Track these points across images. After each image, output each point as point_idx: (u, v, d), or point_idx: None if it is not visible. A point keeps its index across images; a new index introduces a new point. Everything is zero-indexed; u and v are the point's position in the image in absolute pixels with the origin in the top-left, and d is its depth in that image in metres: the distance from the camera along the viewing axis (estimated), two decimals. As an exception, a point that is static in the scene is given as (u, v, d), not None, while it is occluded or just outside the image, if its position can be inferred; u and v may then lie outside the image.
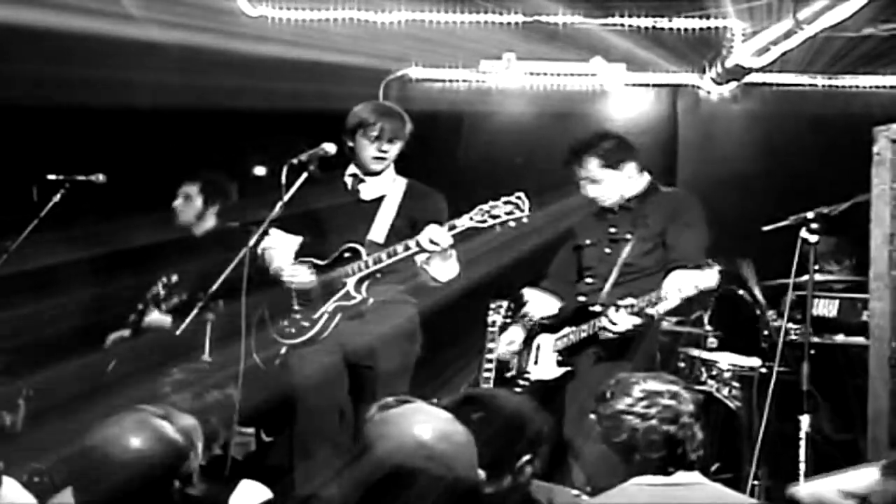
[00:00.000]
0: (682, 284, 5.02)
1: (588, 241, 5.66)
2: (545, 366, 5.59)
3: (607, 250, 5.55)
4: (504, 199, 5.03)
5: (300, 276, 5.41)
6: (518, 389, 5.62)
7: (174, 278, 6.14)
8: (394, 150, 5.41)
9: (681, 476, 3.41)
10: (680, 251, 5.32)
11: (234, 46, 6.94)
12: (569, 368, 5.49)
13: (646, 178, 5.60)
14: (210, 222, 6.36)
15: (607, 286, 5.42)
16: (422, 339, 5.52)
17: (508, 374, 5.74)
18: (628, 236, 5.48)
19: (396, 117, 5.43)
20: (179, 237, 6.32)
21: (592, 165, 5.48)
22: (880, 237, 4.76)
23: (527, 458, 3.21)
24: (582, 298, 5.56)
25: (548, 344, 5.61)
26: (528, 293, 5.82)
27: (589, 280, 5.59)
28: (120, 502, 2.79)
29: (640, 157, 5.60)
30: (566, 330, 5.52)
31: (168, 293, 6.13)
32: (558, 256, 5.84)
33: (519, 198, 5.03)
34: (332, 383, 5.41)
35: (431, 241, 5.09)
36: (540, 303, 5.79)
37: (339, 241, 5.39)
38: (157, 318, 6.18)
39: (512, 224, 5.04)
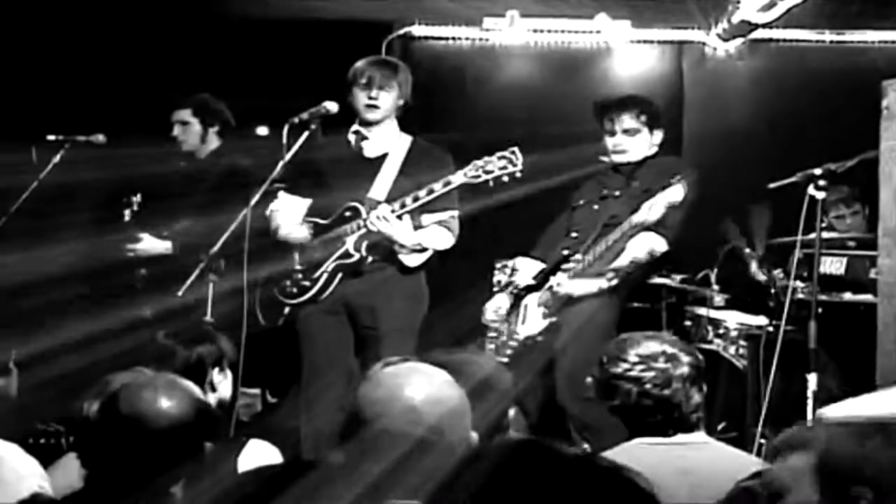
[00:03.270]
0: (651, 204, 5.18)
1: (581, 202, 5.76)
2: (532, 322, 5.63)
3: (595, 207, 5.67)
4: (498, 154, 5.06)
5: (296, 232, 5.41)
6: (509, 352, 5.64)
7: (136, 198, 6.08)
8: (385, 97, 5.36)
9: (682, 436, 3.40)
10: None
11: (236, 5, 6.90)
12: (553, 320, 5.52)
13: (654, 150, 5.74)
14: (214, 143, 6.23)
15: (589, 240, 5.47)
16: (428, 301, 5.50)
17: (501, 340, 5.75)
18: (617, 193, 5.60)
19: (387, 66, 5.44)
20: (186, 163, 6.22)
21: (632, 116, 5.63)
22: (889, 193, 4.70)
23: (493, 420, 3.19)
24: (565, 252, 5.61)
25: (533, 301, 5.64)
26: (520, 262, 5.84)
27: (574, 234, 5.66)
28: (158, 469, 2.74)
29: None
30: (548, 283, 5.58)
31: (141, 214, 6.06)
32: (553, 224, 5.89)
33: (513, 152, 5.06)
34: (338, 344, 5.41)
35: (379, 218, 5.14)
36: (528, 271, 5.81)
37: (342, 200, 5.37)
38: (154, 243, 6.10)
39: (506, 179, 5.05)
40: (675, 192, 5.16)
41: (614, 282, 5.44)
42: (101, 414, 2.76)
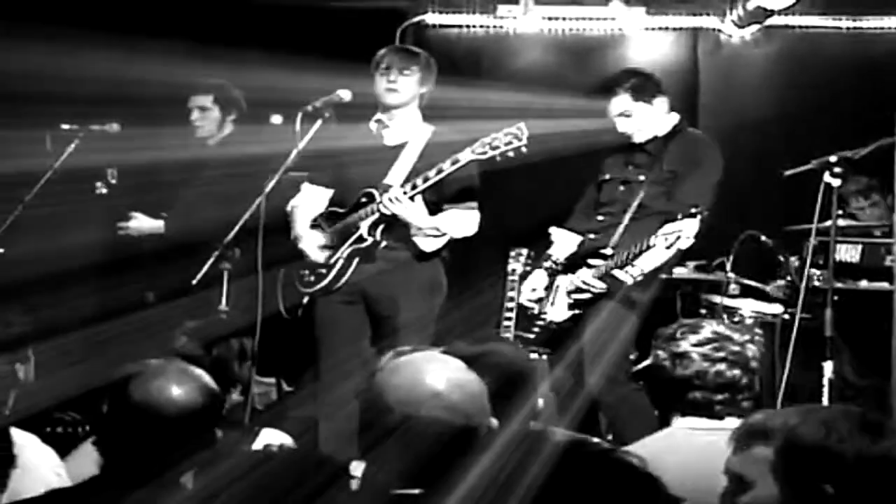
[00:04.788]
0: (668, 235, 4.96)
1: (608, 177, 5.67)
2: (559, 307, 5.57)
3: (621, 188, 5.57)
4: (504, 129, 5.02)
5: (311, 250, 5.40)
6: (536, 330, 5.60)
7: (112, 172, 6.07)
8: (406, 82, 5.35)
9: (727, 421, 3.39)
10: (681, 195, 5.31)
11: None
12: (576, 312, 5.46)
13: (673, 119, 5.61)
14: (228, 129, 6.20)
15: (619, 229, 5.41)
16: (446, 290, 5.49)
17: (530, 312, 5.69)
18: (641, 178, 5.48)
19: (407, 52, 5.51)
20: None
21: (623, 99, 5.51)
22: (906, 180, 4.68)
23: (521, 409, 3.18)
24: (592, 236, 5.56)
25: (564, 285, 5.58)
26: (555, 233, 5.78)
27: (600, 217, 5.59)
28: (170, 456, 2.74)
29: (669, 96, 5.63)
30: (581, 272, 5.48)
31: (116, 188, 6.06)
32: (585, 193, 5.82)
33: (518, 128, 5.02)
34: (355, 333, 5.40)
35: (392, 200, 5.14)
36: (564, 242, 5.75)
37: (361, 188, 5.36)
38: (146, 222, 6.10)
39: (511, 154, 5.01)
40: (690, 227, 4.92)
41: (639, 277, 5.30)
42: (113, 402, 2.77)
